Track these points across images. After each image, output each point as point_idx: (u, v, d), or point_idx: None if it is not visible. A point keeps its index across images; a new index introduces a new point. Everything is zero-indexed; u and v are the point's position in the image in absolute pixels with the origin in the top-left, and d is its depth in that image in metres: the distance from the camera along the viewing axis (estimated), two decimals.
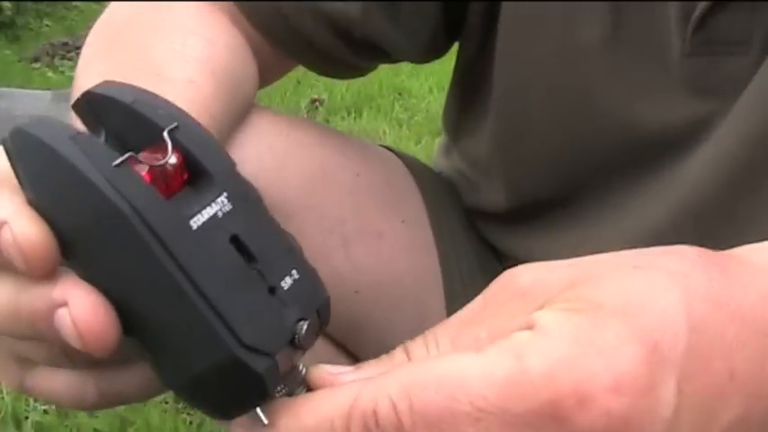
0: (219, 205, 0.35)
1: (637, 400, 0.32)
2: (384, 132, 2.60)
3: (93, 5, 4.29)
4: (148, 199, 0.33)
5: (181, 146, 0.35)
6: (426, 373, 0.33)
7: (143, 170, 0.34)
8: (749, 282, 0.37)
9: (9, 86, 2.83)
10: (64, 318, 0.34)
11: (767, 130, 0.63)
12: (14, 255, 0.33)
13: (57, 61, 3.49)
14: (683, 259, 0.37)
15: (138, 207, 0.32)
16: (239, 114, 0.70)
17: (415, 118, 2.79)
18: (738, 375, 0.35)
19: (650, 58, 0.68)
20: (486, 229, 0.86)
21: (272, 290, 0.35)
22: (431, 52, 0.79)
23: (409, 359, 0.37)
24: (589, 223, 0.76)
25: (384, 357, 0.38)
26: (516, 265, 0.40)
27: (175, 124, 0.35)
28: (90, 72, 0.66)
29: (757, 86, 0.63)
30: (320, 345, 0.79)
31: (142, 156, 0.34)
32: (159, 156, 0.34)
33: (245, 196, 0.37)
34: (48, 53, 3.52)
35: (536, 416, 0.32)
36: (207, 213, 0.34)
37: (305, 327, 0.35)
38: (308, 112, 2.71)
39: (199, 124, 0.37)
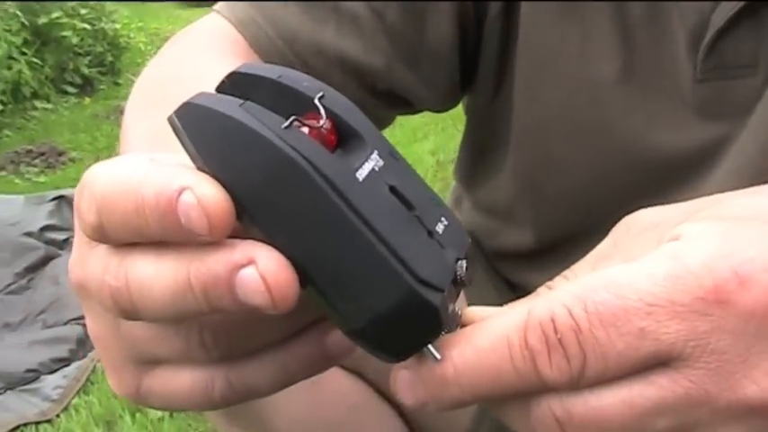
0: (374, 161, 0.37)
1: None
2: None
3: (52, 116, 4.33)
4: (319, 153, 0.35)
5: (330, 112, 0.38)
6: (594, 281, 0.36)
7: (310, 127, 0.36)
8: None
9: None
10: (250, 276, 0.35)
11: None
12: (197, 217, 0.34)
13: (22, 168, 3.50)
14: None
15: (311, 159, 0.35)
16: None
17: None
18: None
19: (664, 87, 0.72)
20: (511, 270, 0.89)
21: (430, 234, 0.37)
22: (448, 101, 0.84)
23: (559, 284, 0.40)
24: None
25: (529, 296, 0.40)
26: None
27: (322, 93, 0.38)
28: (137, 126, 0.68)
29: None
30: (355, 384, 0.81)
31: (303, 120, 0.36)
32: (315, 121, 0.37)
33: (393, 154, 0.39)
34: (12, 161, 3.54)
35: (702, 302, 0.34)
36: (367, 167, 0.37)
37: (464, 265, 0.38)
38: None
39: (340, 94, 0.40)
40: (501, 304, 0.86)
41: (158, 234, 0.36)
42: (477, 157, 0.89)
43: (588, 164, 0.76)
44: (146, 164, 0.37)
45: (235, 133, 0.35)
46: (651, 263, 0.36)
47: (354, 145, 0.38)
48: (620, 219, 0.77)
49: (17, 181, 3.37)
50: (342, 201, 0.35)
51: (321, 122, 0.37)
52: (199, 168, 0.36)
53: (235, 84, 0.38)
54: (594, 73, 0.73)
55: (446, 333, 0.37)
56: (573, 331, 0.35)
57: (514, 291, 0.89)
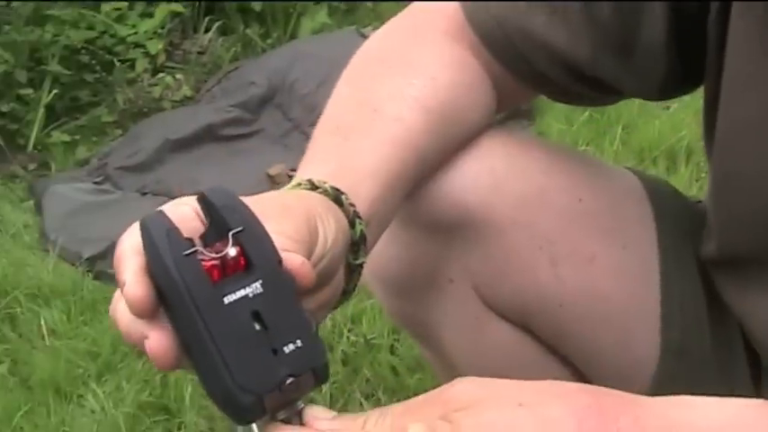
0: (252, 289, 0.52)
1: None
2: None
3: None
4: (198, 281, 0.51)
5: (241, 243, 0.52)
6: None
7: (207, 257, 0.52)
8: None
9: None
10: (147, 345, 0.53)
11: None
12: (128, 303, 0.53)
13: None
14: (567, 405, 0.47)
15: (189, 285, 0.51)
16: (458, 141, 0.79)
17: None
18: None
19: None
20: (711, 272, 0.87)
21: (275, 351, 0.51)
22: (666, 93, 0.81)
23: (365, 420, 0.51)
24: None
25: (355, 416, 0.52)
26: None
27: (241, 228, 0.52)
28: (336, 91, 0.79)
29: None
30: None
31: (207, 250, 0.52)
32: (222, 248, 0.52)
33: (279, 284, 0.52)
34: None
35: None
36: (240, 294, 0.51)
37: (290, 380, 0.51)
38: None
39: (263, 230, 0.53)
40: (710, 310, 0.84)
41: None
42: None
43: None
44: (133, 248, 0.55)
45: (154, 250, 0.52)
46: None
47: (248, 272, 0.52)
48: None
49: None
50: (200, 320, 0.50)
51: (222, 253, 0.51)
52: (146, 263, 0.53)
53: (202, 199, 0.55)
54: None
55: (286, 419, 0.53)
56: None
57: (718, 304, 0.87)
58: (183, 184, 2.13)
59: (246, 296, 0.51)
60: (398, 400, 0.58)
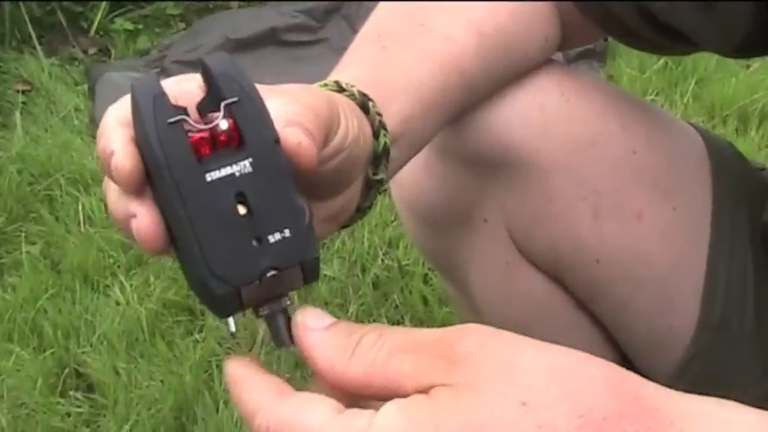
0: (240, 167, 0.45)
1: None
2: None
3: None
4: (179, 152, 0.44)
5: (234, 116, 0.45)
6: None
7: (194, 128, 0.45)
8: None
9: None
10: (134, 224, 0.46)
11: None
12: (115, 176, 0.46)
13: None
14: (578, 395, 0.38)
15: (168, 156, 0.44)
16: (513, 72, 0.73)
17: None
18: None
19: None
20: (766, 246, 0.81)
21: (259, 239, 0.44)
22: (743, 52, 0.74)
23: (360, 340, 0.43)
24: None
25: (351, 329, 0.44)
26: None
27: (236, 99, 0.45)
28: (360, 45, 0.70)
29: None
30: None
31: (193, 119, 0.45)
32: (212, 120, 0.45)
33: (272, 165, 0.45)
34: None
35: None
36: (225, 171, 0.44)
37: (272, 273, 0.44)
38: None
39: (262, 104, 0.45)
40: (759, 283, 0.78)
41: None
42: None
43: None
44: (119, 119, 0.48)
45: (138, 116, 0.45)
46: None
47: (239, 149, 0.45)
48: None
49: None
50: (178, 196, 0.44)
51: (213, 124, 0.45)
52: (134, 134, 0.46)
53: (203, 66, 0.47)
54: None
55: (269, 314, 0.46)
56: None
57: None
58: None
59: (232, 175, 0.44)
60: None
